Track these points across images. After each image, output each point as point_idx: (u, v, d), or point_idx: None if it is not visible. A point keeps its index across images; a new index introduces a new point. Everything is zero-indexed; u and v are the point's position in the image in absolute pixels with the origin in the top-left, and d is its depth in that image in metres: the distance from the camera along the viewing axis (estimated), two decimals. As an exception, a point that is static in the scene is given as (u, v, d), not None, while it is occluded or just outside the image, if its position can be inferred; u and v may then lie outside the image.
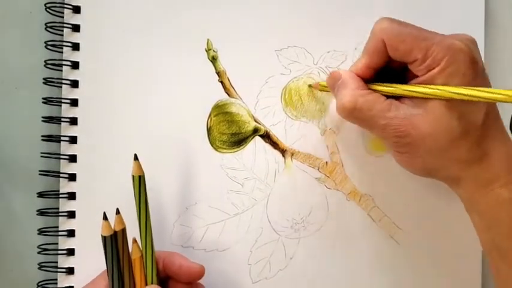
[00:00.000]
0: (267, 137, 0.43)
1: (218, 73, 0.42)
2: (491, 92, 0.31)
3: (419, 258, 0.43)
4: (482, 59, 0.42)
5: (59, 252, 0.41)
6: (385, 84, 0.36)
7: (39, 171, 0.41)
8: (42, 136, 0.41)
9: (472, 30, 0.42)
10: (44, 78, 0.41)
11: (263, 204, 0.42)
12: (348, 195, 0.43)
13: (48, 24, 0.41)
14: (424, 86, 0.33)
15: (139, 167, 0.36)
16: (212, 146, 0.42)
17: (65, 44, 0.41)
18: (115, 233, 0.35)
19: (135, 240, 0.36)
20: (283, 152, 0.43)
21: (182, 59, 0.42)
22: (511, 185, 0.34)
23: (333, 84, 0.38)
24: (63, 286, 0.41)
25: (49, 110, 0.42)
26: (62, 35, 0.42)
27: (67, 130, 0.41)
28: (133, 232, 0.36)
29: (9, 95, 0.42)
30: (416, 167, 0.36)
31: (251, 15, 0.42)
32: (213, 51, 0.42)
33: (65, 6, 0.41)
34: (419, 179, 0.41)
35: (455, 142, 0.34)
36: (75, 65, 0.41)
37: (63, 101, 0.41)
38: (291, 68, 0.43)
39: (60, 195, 0.41)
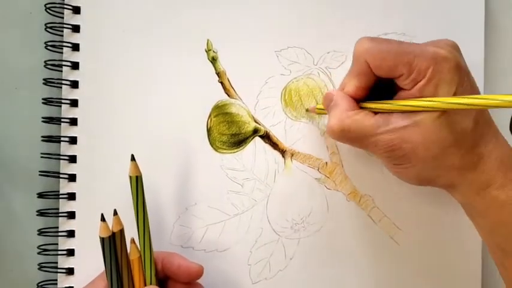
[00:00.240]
0: (267, 137, 0.42)
1: (218, 73, 0.42)
2: (480, 98, 0.30)
3: (419, 259, 0.43)
4: (483, 59, 0.42)
5: (59, 252, 0.41)
6: (376, 102, 0.35)
7: (39, 171, 0.41)
8: (42, 136, 0.41)
9: (472, 30, 0.42)
10: (44, 79, 0.41)
11: (263, 205, 0.42)
12: (347, 196, 0.42)
13: (48, 25, 0.41)
14: (414, 99, 0.33)
15: (136, 167, 0.35)
16: (212, 146, 0.42)
17: (64, 44, 0.41)
18: (113, 234, 0.34)
19: (133, 241, 0.36)
20: (283, 152, 0.42)
21: (182, 60, 0.42)
22: (507, 187, 0.33)
23: (326, 106, 0.38)
24: (63, 286, 0.41)
25: (49, 111, 0.41)
26: (62, 36, 0.41)
27: (67, 131, 0.41)
28: (133, 232, 0.36)
29: (9, 95, 0.42)
30: (412, 178, 0.36)
31: (251, 16, 0.42)
32: (213, 51, 0.42)
33: (65, 6, 0.41)
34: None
35: (448, 151, 0.33)
36: (75, 66, 0.41)
37: (63, 101, 0.41)
38: (291, 69, 0.42)
39: (60, 196, 0.41)
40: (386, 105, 0.34)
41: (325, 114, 0.39)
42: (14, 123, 0.42)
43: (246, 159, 0.42)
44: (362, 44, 0.35)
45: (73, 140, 0.41)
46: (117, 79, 0.41)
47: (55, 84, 0.41)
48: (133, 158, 0.35)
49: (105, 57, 0.41)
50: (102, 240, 0.34)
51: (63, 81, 0.41)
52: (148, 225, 0.36)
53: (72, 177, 0.41)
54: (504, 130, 0.36)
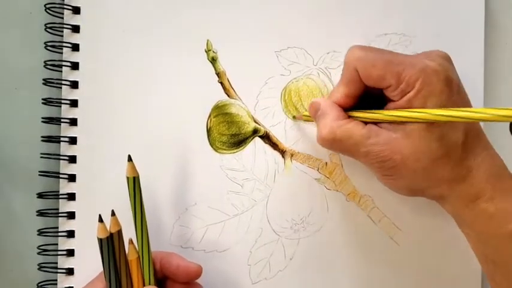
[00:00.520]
0: (266, 137, 0.42)
1: (218, 74, 0.41)
2: (469, 111, 0.29)
3: (419, 259, 0.42)
4: (483, 59, 0.42)
5: (59, 252, 0.41)
6: (364, 110, 0.35)
7: (39, 171, 0.41)
8: (42, 137, 0.41)
9: (472, 30, 0.42)
10: (43, 79, 0.40)
11: (263, 205, 0.41)
12: (347, 196, 0.42)
13: (48, 25, 0.40)
14: (403, 110, 0.33)
15: (133, 168, 0.35)
16: (212, 146, 0.41)
17: (64, 44, 0.40)
18: (111, 234, 0.34)
19: (131, 241, 0.35)
20: (282, 152, 0.42)
21: (182, 60, 0.41)
22: (496, 200, 0.33)
23: (313, 115, 0.37)
24: (63, 287, 0.41)
25: (49, 111, 0.41)
26: (62, 36, 0.41)
27: (67, 131, 0.41)
28: (133, 232, 0.35)
29: (9, 96, 0.41)
30: (402, 188, 0.36)
31: (251, 16, 0.41)
32: (213, 52, 0.41)
33: (65, 6, 0.40)
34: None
35: (437, 162, 0.33)
36: (75, 66, 0.41)
37: (63, 101, 0.41)
38: (290, 69, 0.42)
39: (60, 196, 0.41)
40: (374, 114, 0.34)
41: (312, 121, 0.39)
42: (14, 123, 0.41)
43: (245, 159, 0.41)
44: (353, 52, 0.35)
45: (73, 140, 0.41)
46: (117, 79, 0.41)
47: (55, 85, 0.40)
48: (130, 159, 0.35)
49: (105, 57, 0.41)
50: (100, 241, 0.33)
51: (63, 82, 0.40)
52: (146, 225, 0.35)
53: (72, 178, 0.41)
54: (504, 130, 0.36)
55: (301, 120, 0.41)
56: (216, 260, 0.41)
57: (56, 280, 0.41)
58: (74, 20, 0.41)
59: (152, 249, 0.36)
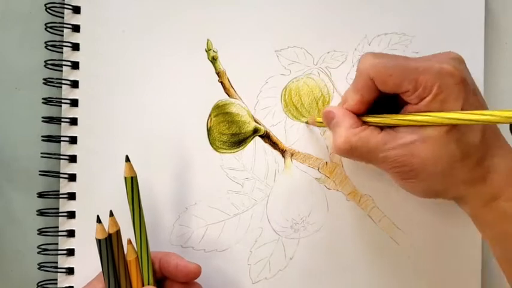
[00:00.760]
0: (267, 137, 0.41)
1: (218, 73, 0.41)
2: (486, 114, 0.29)
3: (419, 259, 0.42)
4: (482, 59, 0.41)
5: (59, 252, 0.40)
6: (379, 116, 0.34)
7: (39, 171, 0.40)
8: (42, 136, 0.40)
9: (472, 30, 0.41)
10: (44, 79, 0.40)
11: (263, 205, 0.41)
12: (347, 196, 0.41)
13: (48, 25, 0.40)
14: (418, 114, 0.32)
15: (131, 168, 0.34)
16: (212, 146, 0.41)
17: (65, 44, 0.40)
18: (109, 235, 0.33)
19: (130, 242, 0.35)
20: (283, 152, 0.41)
21: (182, 59, 0.41)
22: None
23: (327, 123, 0.37)
24: (63, 286, 0.40)
25: (49, 110, 0.40)
26: (62, 35, 0.40)
27: (67, 130, 0.40)
28: (132, 233, 0.35)
29: (10, 95, 0.41)
30: (421, 192, 0.35)
31: (251, 15, 0.41)
32: (213, 51, 0.41)
33: (65, 6, 0.40)
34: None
35: (456, 164, 0.33)
36: (75, 65, 0.40)
37: (63, 101, 0.40)
38: (291, 69, 0.41)
39: (60, 196, 0.40)
40: (390, 119, 0.33)
41: (325, 127, 0.38)
42: (14, 123, 0.41)
43: (246, 159, 0.41)
44: (367, 60, 0.34)
45: (73, 140, 0.40)
46: (117, 79, 0.40)
47: (55, 84, 0.40)
48: (127, 159, 0.34)
49: (105, 57, 0.40)
50: (99, 241, 0.33)
51: (63, 81, 0.40)
52: (144, 225, 0.35)
53: (72, 177, 0.40)
54: (504, 131, 0.35)
55: (313, 125, 0.41)
56: (216, 259, 0.41)
57: (56, 279, 0.40)
58: (74, 19, 0.40)
59: (151, 249, 0.36)
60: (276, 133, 0.41)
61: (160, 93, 0.41)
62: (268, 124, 0.41)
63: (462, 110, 0.31)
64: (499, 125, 0.35)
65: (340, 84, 0.41)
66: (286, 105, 0.41)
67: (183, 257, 0.37)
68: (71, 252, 0.40)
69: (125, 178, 0.34)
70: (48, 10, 0.40)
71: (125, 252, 0.35)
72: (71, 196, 0.40)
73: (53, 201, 0.40)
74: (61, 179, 0.40)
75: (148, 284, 0.35)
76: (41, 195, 0.40)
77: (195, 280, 0.36)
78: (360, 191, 0.41)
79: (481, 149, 0.33)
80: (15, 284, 0.41)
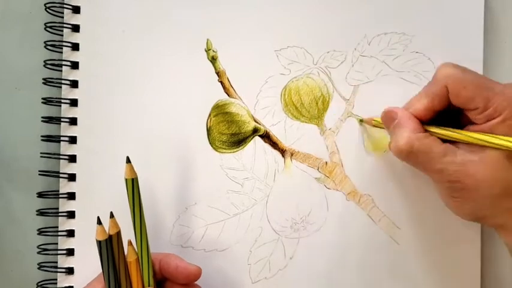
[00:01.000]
0: (266, 137, 0.41)
1: (218, 73, 0.40)
2: None
3: (418, 258, 0.41)
4: (482, 59, 0.41)
5: (59, 252, 0.40)
6: (443, 127, 0.34)
7: (39, 171, 0.40)
8: (42, 136, 0.40)
9: (472, 30, 0.41)
10: (43, 79, 0.40)
11: (263, 204, 0.41)
12: (347, 195, 0.41)
13: (47, 25, 0.39)
14: (485, 134, 0.32)
15: (132, 169, 0.34)
16: (212, 146, 0.40)
17: (64, 44, 0.40)
18: (110, 236, 0.33)
19: (130, 243, 0.34)
20: (282, 152, 0.41)
21: (182, 59, 0.40)
22: None
23: (388, 124, 0.36)
24: (63, 286, 0.40)
25: (49, 110, 0.40)
26: (62, 35, 0.40)
27: (67, 130, 0.40)
28: (133, 233, 0.34)
29: (9, 95, 0.41)
30: (465, 212, 0.34)
31: (251, 15, 0.40)
32: (213, 51, 0.40)
33: (65, 6, 0.40)
34: (419, 179, 0.40)
35: (508, 191, 0.32)
36: (74, 65, 0.40)
37: (62, 101, 0.40)
38: (290, 68, 0.41)
39: (60, 196, 0.40)
40: (454, 133, 0.33)
41: (381, 127, 0.38)
42: (14, 123, 0.41)
43: (245, 158, 0.40)
44: (446, 68, 0.34)
45: (73, 140, 0.40)
46: (117, 78, 0.40)
47: (55, 84, 0.40)
48: (128, 160, 0.34)
49: (105, 57, 0.40)
50: (99, 243, 0.32)
51: (63, 81, 0.40)
52: (145, 226, 0.34)
53: (71, 177, 0.40)
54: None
55: (369, 125, 0.40)
56: (216, 259, 0.40)
57: (56, 279, 0.40)
58: (74, 19, 0.40)
59: (152, 249, 0.35)
60: (276, 133, 0.41)
61: (160, 93, 0.40)
62: (268, 124, 0.41)
63: None
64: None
65: (340, 84, 0.41)
66: (286, 105, 0.41)
67: (183, 257, 0.36)
68: (70, 252, 0.40)
69: (126, 180, 0.34)
70: (48, 10, 0.39)
71: (125, 253, 0.34)
72: (71, 196, 0.40)
73: (52, 201, 0.40)
74: (61, 179, 0.40)
75: (149, 286, 0.34)
76: (40, 195, 0.40)
77: (195, 282, 0.36)
78: (359, 190, 0.41)
79: None
80: (15, 284, 0.41)
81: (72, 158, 0.40)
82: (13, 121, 0.41)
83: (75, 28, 0.40)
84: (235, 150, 0.40)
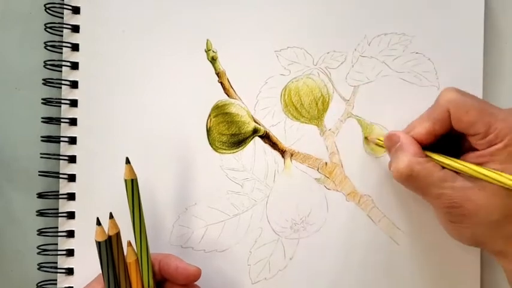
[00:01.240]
0: (266, 137, 0.40)
1: (218, 74, 0.40)
2: None
3: (418, 259, 0.41)
4: (482, 59, 0.40)
5: (59, 252, 0.39)
6: (443, 155, 0.34)
7: (39, 171, 0.40)
8: (42, 137, 0.39)
9: (472, 30, 0.41)
10: (43, 79, 0.39)
11: (263, 205, 0.40)
12: (347, 196, 0.41)
13: (47, 25, 0.39)
14: (488, 169, 0.32)
15: (131, 170, 0.33)
16: (212, 146, 0.40)
17: (64, 44, 0.39)
18: (109, 237, 0.32)
19: (130, 244, 0.34)
20: (282, 152, 0.40)
21: (182, 60, 0.40)
22: None
23: (390, 146, 0.37)
24: (63, 287, 0.40)
25: (49, 111, 0.40)
26: (62, 36, 0.40)
27: (67, 131, 0.40)
28: (132, 234, 0.34)
29: (9, 96, 0.40)
30: (464, 237, 0.35)
31: (251, 16, 0.40)
32: (213, 51, 0.40)
33: (65, 6, 0.39)
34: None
35: (508, 219, 0.32)
36: (74, 66, 0.39)
37: (62, 101, 0.39)
38: (290, 69, 0.40)
39: (60, 196, 0.39)
40: (455, 163, 0.33)
41: (382, 148, 0.38)
42: (14, 123, 0.40)
43: (245, 159, 0.40)
44: (449, 93, 0.34)
45: (73, 140, 0.39)
46: (117, 79, 0.40)
47: (55, 85, 0.39)
48: (128, 161, 0.33)
49: (105, 57, 0.40)
50: (99, 244, 0.32)
51: (63, 81, 0.39)
52: (144, 227, 0.34)
53: (71, 178, 0.39)
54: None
55: (373, 143, 0.40)
56: (216, 259, 0.40)
57: (56, 280, 0.40)
58: (74, 19, 0.39)
59: (151, 250, 0.35)
60: (276, 133, 0.40)
61: (160, 93, 0.40)
62: (267, 124, 0.40)
63: None
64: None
65: (340, 85, 0.40)
66: (285, 106, 0.40)
67: (183, 257, 0.36)
68: (70, 252, 0.39)
69: (125, 180, 0.33)
70: (47, 10, 0.39)
71: (125, 254, 0.34)
72: (71, 196, 0.39)
73: (52, 202, 0.40)
74: (61, 180, 0.39)
75: (149, 286, 0.34)
76: (40, 195, 0.39)
77: (195, 282, 0.36)
78: (359, 191, 0.41)
79: None
80: (15, 284, 0.40)
81: (72, 159, 0.39)
82: (13, 121, 0.40)
83: (75, 28, 0.39)
84: (235, 150, 0.40)
